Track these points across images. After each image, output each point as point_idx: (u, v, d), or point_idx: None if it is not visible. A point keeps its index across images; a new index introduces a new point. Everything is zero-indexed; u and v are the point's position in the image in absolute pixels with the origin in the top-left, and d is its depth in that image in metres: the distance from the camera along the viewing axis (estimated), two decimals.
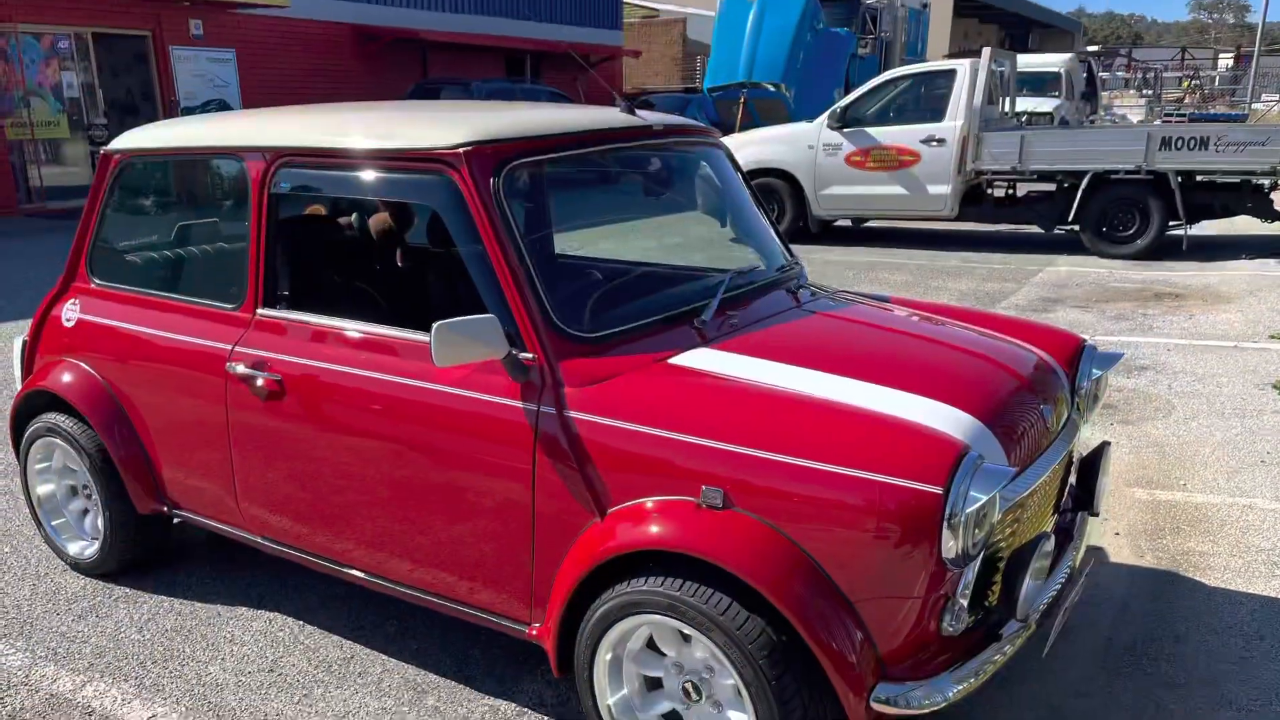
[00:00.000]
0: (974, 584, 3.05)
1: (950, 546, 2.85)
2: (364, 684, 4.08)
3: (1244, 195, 13.14)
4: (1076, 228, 13.82)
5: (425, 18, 27.90)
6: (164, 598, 4.78)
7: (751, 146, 15.26)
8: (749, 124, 20.39)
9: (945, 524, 2.82)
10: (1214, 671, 4.04)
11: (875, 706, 2.92)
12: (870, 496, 2.86)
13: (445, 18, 28.49)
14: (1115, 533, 5.23)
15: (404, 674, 4.14)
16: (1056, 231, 14.41)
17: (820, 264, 13.37)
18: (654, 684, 3.38)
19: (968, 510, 2.82)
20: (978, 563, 3.02)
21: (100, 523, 4.82)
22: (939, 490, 2.82)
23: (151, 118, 21.26)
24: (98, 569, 4.94)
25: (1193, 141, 12.84)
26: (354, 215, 5.19)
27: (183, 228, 4.88)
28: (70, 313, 4.78)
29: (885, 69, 20.80)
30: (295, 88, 23.91)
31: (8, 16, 19.26)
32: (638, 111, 4.18)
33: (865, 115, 14.51)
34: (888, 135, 14.26)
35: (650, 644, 3.30)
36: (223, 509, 4.38)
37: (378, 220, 5.10)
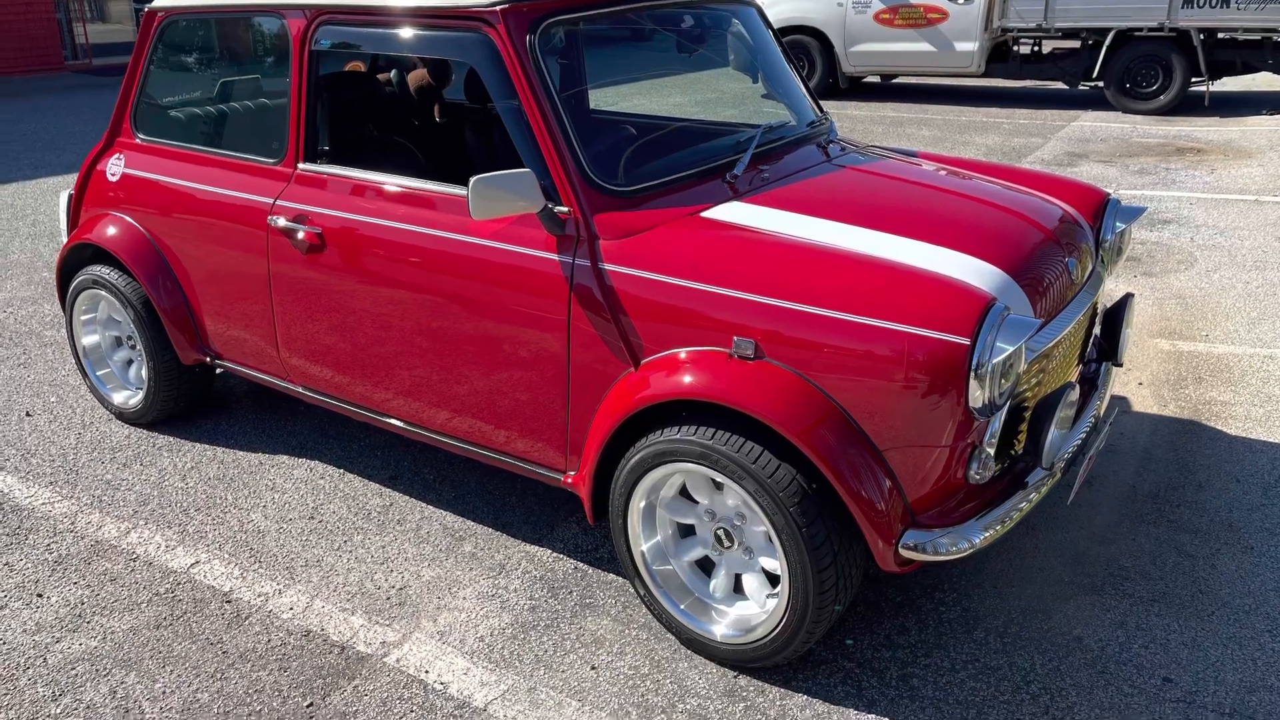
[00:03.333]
0: (1000, 433, 3.11)
1: (977, 396, 2.90)
2: (402, 530, 4.20)
3: (1265, 51, 13.25)
4: (1101, 84, 13.87)
5: None
6: (206, 446, 4.91)
7: (782, 4, 15.21)
8: None
9: (972, 374, 2.87)
10: (1234, 518, 4.13)
11: (903, 553, 3.00)
12: (899, 347, 2.90)
13: None
14: (1139, 383, 5.30)
15: (442, 521, 4.26)
16: (1081, 87, 14.40)
17: (849, 119, 13.31)
18: (687, 531, 3.47)
19: (994, 360, 2.87)
20: (1004, 412, 3.08)
21: (144, 372, 4.93)
22: (966, 341, 2.86)
23: None
24: (142, 418, 5.07)
25: None
26: (393, 72, 5.20)
27: (225, 84, 4.89)
28: (115, 167, 4.83)
29: None
30: None
31: None
32: None
33: None
34: None
35: (683, 492, 3.38)
36: (264, 359, 4.47)
37: (416, 77, 5.11)
